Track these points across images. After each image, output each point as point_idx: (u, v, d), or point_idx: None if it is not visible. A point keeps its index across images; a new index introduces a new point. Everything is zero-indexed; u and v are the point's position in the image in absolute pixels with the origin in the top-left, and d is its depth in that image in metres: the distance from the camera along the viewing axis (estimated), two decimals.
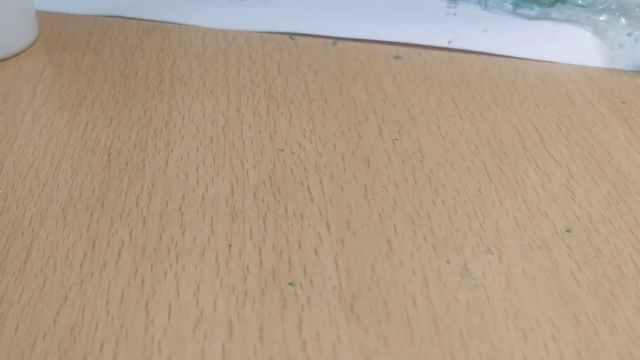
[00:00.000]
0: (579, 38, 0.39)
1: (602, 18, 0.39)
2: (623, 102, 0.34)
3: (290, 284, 0.24)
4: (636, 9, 0.38)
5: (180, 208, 0.28)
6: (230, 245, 0.26)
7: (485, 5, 0.42)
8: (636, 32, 0.37)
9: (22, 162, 0.30)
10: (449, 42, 0.39)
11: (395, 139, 0.31)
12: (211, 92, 0.35)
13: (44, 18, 0.42)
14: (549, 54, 0.38)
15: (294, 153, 0.31)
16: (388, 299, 0.23)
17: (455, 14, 0.42)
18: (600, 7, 0.39)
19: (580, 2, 0.40)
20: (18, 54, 0.39)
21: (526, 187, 0.28)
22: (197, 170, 0.30)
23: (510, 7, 0.41)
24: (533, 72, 0.37)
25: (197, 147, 0.31)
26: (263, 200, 0.28)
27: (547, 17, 0.41)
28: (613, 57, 0.37)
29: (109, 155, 0.31)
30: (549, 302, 0.23)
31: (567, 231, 0.26)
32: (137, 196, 0.28)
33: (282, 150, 0.31)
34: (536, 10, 0.41)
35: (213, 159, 0.30)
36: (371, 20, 0.41)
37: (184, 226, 0.27)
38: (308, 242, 0.26)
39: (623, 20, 0.38)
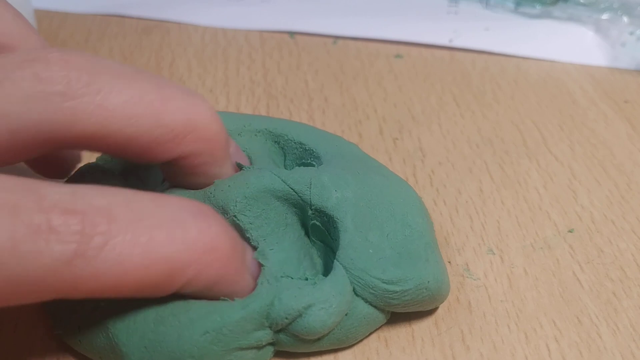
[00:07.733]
0: (581, 37, 0.39)
1: (605, 17, 0.39)
2: (625, 101, 0.34)
3: None
4: (638, 8, 0.38)
5: None
6: None
7: (487, 3, 0.42)
8: (638, 31, 0.37)
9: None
10: (450, 41, 0.39)
11: (396, 138, 0.31)
12: (211, 91, 0.35)
13: (42, 16, 0.42)
14: (551, 52, 0.38)
15: None
16: None
17: (456, 13, 0.42)
18: (603, 5, 0.39)
19: (582, 0, 0.39)
20: None
21: (528, 187, 0.28)
22: None
23: (511, 5, 0.41)
24: (535, 71, 0.37)
25: None
26: None
27: (549, 16, 0.40)
28: (615, 55, 0.37)
29: None
30: (551, 303, 0.23)
31: (570, 231, 0.26)
32: None
33: None
34: (538, 8, 0.40)
35: None
36: (372, 19, 0.41)
37: None
38: None
39: (625, 18, 0.38)
